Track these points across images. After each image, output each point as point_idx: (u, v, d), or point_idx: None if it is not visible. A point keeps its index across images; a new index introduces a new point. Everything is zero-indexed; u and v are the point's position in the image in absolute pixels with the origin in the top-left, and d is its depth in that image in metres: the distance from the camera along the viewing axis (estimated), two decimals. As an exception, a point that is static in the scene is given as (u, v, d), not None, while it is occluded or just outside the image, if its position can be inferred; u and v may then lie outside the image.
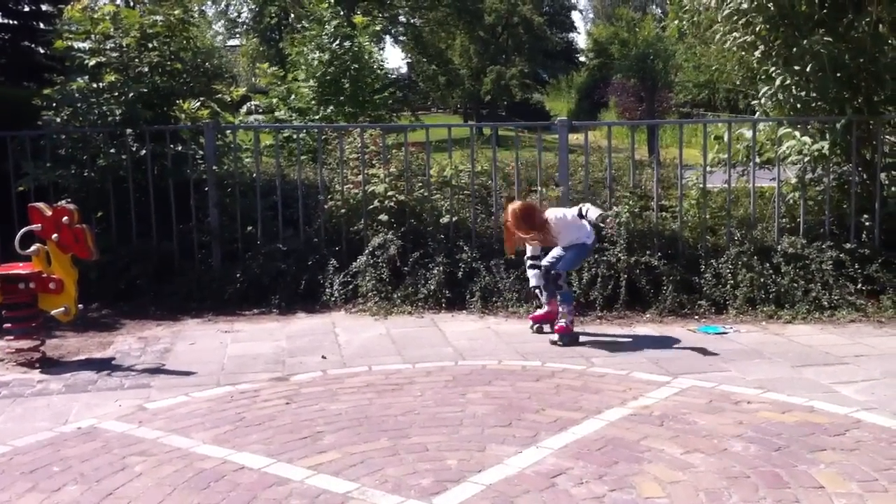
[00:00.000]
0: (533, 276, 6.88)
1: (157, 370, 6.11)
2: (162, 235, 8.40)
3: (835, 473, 4.03)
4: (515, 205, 6.61)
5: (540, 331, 6.86)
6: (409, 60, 52.86)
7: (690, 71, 36.05)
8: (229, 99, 9.50)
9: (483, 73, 49.21)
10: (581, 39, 68.88)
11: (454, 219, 8.20)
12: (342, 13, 15.20)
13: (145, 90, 8.64)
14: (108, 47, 8.78)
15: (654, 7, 64.87)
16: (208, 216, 8.38)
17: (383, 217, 8.13)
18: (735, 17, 7.76)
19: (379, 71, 13.66)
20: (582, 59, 62.01)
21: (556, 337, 6.59)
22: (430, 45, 45.47)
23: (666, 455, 4.29)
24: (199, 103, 8.76)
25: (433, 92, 49.68)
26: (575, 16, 71.05)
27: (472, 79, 49.22)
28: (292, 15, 17.17)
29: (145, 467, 4.30)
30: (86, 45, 8.76)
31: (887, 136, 8.03)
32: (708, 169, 8.24)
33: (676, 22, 8.96)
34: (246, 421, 4.96)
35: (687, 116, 34.53)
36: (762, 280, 7.41)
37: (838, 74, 7.53)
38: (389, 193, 8.24)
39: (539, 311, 6.96)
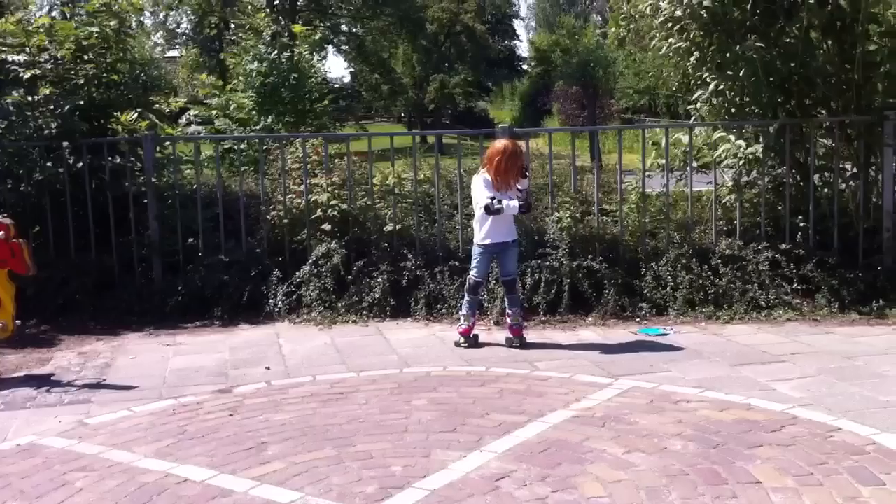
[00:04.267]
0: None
1: (97, 385, 6.03)
2: (101, 249, 8.29)
3: (771, 469, 4.13)
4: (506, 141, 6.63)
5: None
6: (352, 69, 52.80)
7: (631, 77, 36.54)
8: (167, 110, 9.41)
9: (426, 82, 49.36)
10: (523, 47, 69.43)
11: (398, 227, 8.21)
12: (282, 22, 15.16)
13: (82, 102, 8.52)
14: (43, 60, 8.64)
15: (595, 15, 65.62)
16: (148, 229, 8.29)
17: (326, 226, 8.11)
18: (670, 24, 7.90)
19: (319, 80, 13.62)
20: (525, 66, 62.44)
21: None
22: (372, 54, 45.44)
23: (608, 455, 4.36)
24: (136, 115, 8.66)
25: (376, 101, 49.66)
26: (517, 24, 71.44)
27: (416, 87, 49.33)
28: (232, 25, 17.06)
29: (86, 482, 4.25)
30: (20, 57, 8.60)
31: (819, 139, 8.22)
32: (647, 174, 8.37)
33: (613, 30, 9.08)
34: (189, 434, 4.92)
35: (628, 122, 34.97)
36: (701, 282, 7.55)
37: (771, 79, 7.68)
38: (332, 203, 8.22)
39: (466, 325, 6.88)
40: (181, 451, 4.64)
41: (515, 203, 6.52)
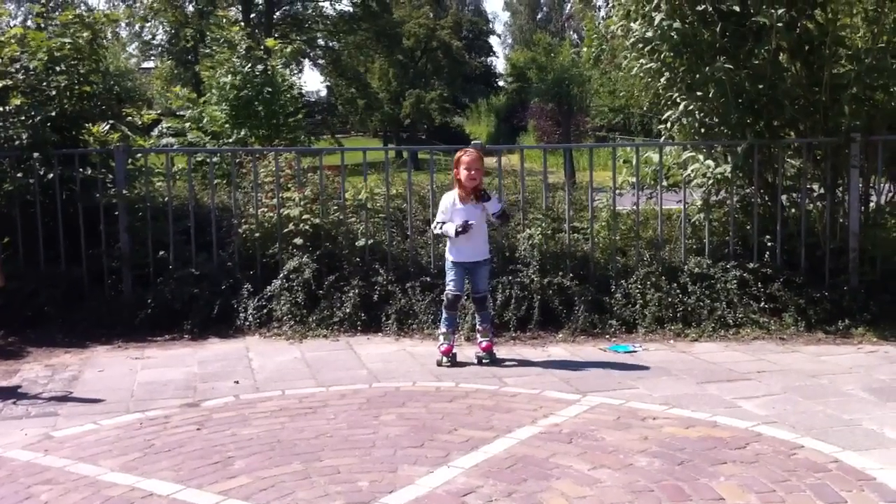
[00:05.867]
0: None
1: (64, 398, 5.99)
2: (71, 261, 8.24)
3: (735, 486, 4.17)
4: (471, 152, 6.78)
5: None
6: (328, 84, 52.85)
7: (605, 96, 36.80)
8: (140, 122, 9.38)
9: (402, 97, 49.47)
10: (500, 64, 69.78)
11: (370, 242, 8.22)
12: (259, 35, 15.17)
13: (53, 114, 8.48)
14: (14, 70, 8.60)
15: (571, 33, 66.09)
16: (119, 241, 8.25)
17: (298, 240, 8.10)
18: (641, 45, 7.97)
19: (294, 94, 13.64)
20: (501, 83, 62.75)
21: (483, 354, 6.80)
22: (348, 68, 45.52)
23: (574, 471, 4.38)
24: (108, 126, 8.63)
25: (352, 115, 49.70)
26: (493, 41, 71.81)
27: (392, 102, 49.42)
28: (208, 37, 17.04)
29: (51, 496, 4.23)
30: (-8, 67, 8.57)
31: (787, 160, 8.33)
32: (618, 192, 8.44)
33: (586, 49, 9.17)
34: (155, 448, 4.90)
35: (603, 140, 35.21)
36: (670, 299, 7.61)
37: (740, 100, 7.79)
38: (304, 217, 8.22)
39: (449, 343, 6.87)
40: (147, 465, 4.62)
41: (450, 227, 6.63)
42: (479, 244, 6.77)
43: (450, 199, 6.79)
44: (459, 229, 6.58)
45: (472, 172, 6.63)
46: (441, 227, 6.75)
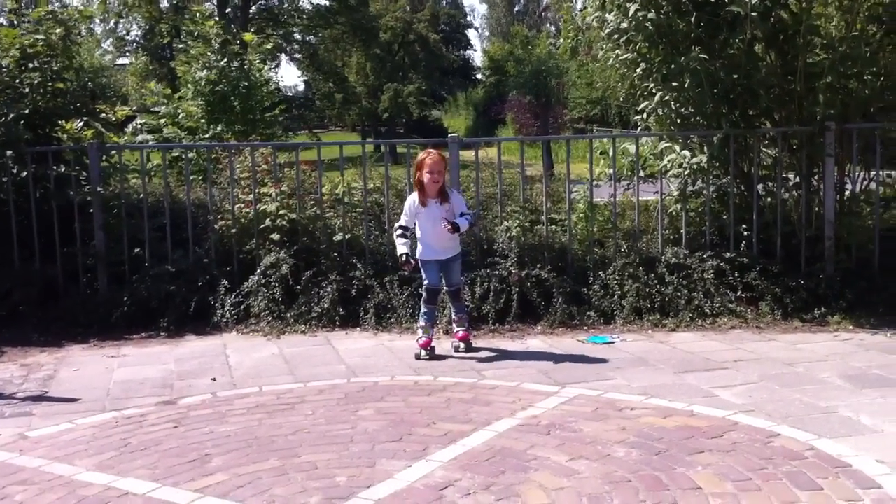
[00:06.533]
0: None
1: (39, 398, 5.94)
2: (45, 259, 8.18)
3: (712, 474, 4.18)
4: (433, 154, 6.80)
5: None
6: (306, 78, 52.62)
7: (583, 87, 36.83)
8: (114, 118, 9.30)
9: (380, 91, 49.27)
10: (477, 57, 69.68)
11: (347, 236, 8.19)
12: (233, 30, 15.06)
13: (26, 111, 8.40)
14: (-14, 67, 8.52)
15: (548, 25, 66.10)
16: (94, 239, 8.18)
17: (275, 236, 8.07)
18: (616, 36, 7.99)
19: (270, 89, 13.56)
20: (479, 76, 62.68)
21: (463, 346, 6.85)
22: (325, 62, 45.31)
23: (552, 463, 4.39)
24: (82, 123, 8.55)
25: (330, 110, 49.50)
26: (471, 34, 71.70)
27: (370, 96, 49.22)
28: (183, 32, 16.93)
29: (26, 496, 4.20)
30: (-37, 65, 8.48)
31: (763, 149, 8.36)
32: (595, 183, 8.45)
33: (563, 41, 9.17)
34: (131, 446, 4.87)
35: (581, 132, 35.28)
36: (647, 290, 7.63)
37: (715, 90, 7.80)
38: (281, 212, 8.19)
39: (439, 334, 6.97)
40: (123, 464, 4.58)
41: (400, 248, 6.71)
42: (446, 242, 6.78)
43: (412, 201, 6.83)
44: (402, 260, 6.72)
45: (435, 175, 6.66)
46: (397, 237, 6.82)
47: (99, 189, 8.22)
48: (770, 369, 6.06)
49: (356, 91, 47.50)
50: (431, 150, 6.90)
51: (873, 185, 8.17)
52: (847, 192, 8.29)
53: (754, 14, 7.29)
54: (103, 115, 9.33)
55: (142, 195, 8.51)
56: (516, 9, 79.05)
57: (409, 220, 6.82)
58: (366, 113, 49.89)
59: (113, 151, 8.83)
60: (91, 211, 8.22)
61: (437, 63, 53.91)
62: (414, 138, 31.84)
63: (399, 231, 6.83)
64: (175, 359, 6.87)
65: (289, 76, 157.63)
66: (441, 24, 60.39)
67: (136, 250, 8.15)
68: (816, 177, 8.19)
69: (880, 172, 8.16)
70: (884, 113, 8.04)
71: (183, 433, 5.06)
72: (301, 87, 57.93)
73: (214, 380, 6.22)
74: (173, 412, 5.49)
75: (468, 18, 73.36)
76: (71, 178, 8.33)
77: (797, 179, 8.23)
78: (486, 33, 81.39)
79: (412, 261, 6.76)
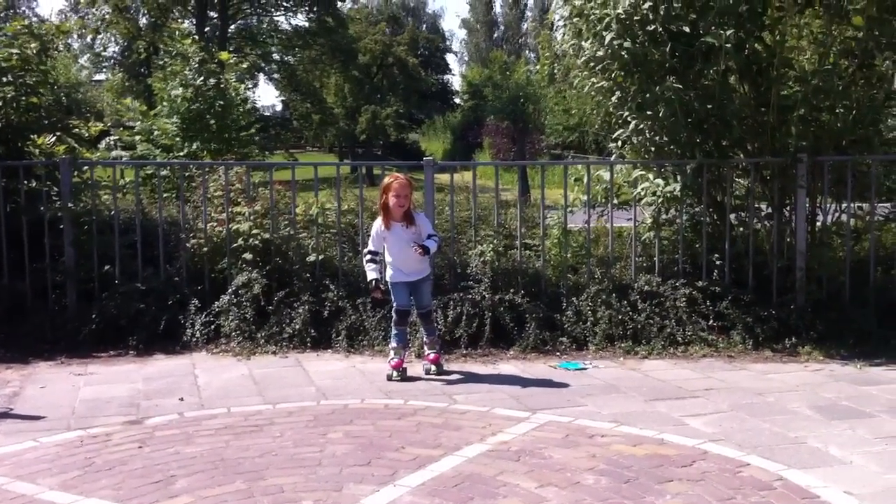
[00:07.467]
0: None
1: (4, 415, 5.85)
2: (14, 275, 8.07)
3: (680, 503, 4.17)
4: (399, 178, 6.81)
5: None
6: (284, 98, 52.62)
7: (560, 114, 37.07)
8: (87, 134, 9.23)
9: (358, 113, 49.36)
10: (456, 81, 69.91)
11: (320, 257, 8.16)
12: (213, 48, 15.03)
13: (-1, 125, 8.33)
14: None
15: (528, 52, 66.57)
16: (63, 255, 8.09)
17: (248, 255, 8.01)
18: (592, 64, 8.04)
19: (247, 108, 13.53)
20: (457, 100, 62.95)
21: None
22: (303, 83, 45.36)
23: (521, 490, 4.36)
24: (54, 138, 8.48)
25: (307, 130, 49.50)
26: (450, 58, 71.99)
27: (347, 118, 49.29)
28: (161, 50, 16.90)
29: (-16, 517, 4.11)
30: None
31: (736, 179, 8.42)
32: (569, 209, 8.47)
33: (538, 67, 9.22)
34: (96, 466, 4.80)
35: (558, 158, 35.44)
36: (620, 317, 7.64)
37: (689, 120, 7.87)
38: (254, 231, 8.13)
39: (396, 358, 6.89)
40: (87, 484, 4.51)
41: (370, 273, 6.76)
42: (415, 264, 6.78)
43: (377, 225, 6.86)
44: (372, 286, 6.80)
45: (401, 199, 6.69)
46: (366, 262, 6.86)
47: (70, 205, 8.13)
48: (741, 399, 6.08)
49: (334, 112, 47.58)
50: (398, 174, 6.92)
51: (844, 218, 8.24)
52: (819, 224, 8.36)
53: (728, 45, 7.36)
54: (77, 130, 9.26)
55: (113, 212, 8.44)
56: (495, 35, 79.61)
57: (377, 245, 6.84)
58: (343, 134, 49.96)
59: (85, 167, 8.75)
60: (61, 227, 8.13)
61: (415, 86, 54.11)
62: (390, 160, 31.87)
63: (368, 257, 6.85)
64: (143, 378, 6.78)
65: (266, 96, 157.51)
66: (420, 48, 60.70)
67: (107, 267, 8.07)
68: (788, 208, 8.25)
69: (852, 205, 8.23)
70: (855, 146, 8.13)
71: (148, 453, 4.98)
72: (279, 107, 57.90)
73: (182, 400, 6.15)
74: (139, 432, 5.42)
75: (447, 43, 73.77)
76: (42, 194, 8.25)
77: (769, 210, 8.30)
78: (465, 58, 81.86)
79: (382, 286, 6.76)
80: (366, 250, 6.96)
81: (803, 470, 4.64)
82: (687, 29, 7.58)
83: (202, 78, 12.28)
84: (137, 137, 12.36)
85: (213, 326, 7.72)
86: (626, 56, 7.65)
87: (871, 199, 8.12)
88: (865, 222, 8.31)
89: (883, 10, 7.69)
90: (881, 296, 7.88)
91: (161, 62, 15.06)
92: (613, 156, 8.88)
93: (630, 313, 7.67)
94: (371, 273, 6.78)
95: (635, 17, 7.58)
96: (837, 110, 7.94)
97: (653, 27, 7.60)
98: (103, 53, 45.88)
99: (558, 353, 7.44)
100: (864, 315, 7.64)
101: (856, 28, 7.76)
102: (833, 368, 6.96)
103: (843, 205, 8.28)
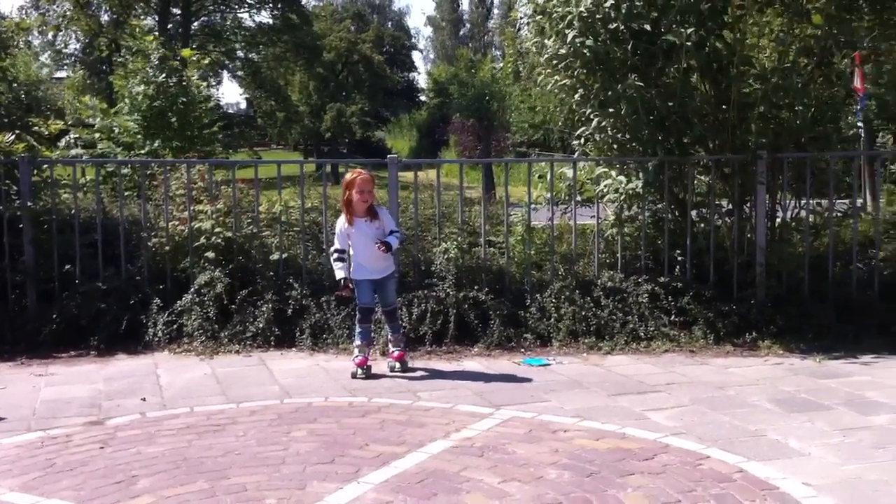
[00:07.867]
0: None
1: (-38, 417, 5.77)
2: (-28, 275, 7.96)
3: (641, 496, 4.21)
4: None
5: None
6: (248, 96, 52.30)
7: (525, 112, 37.14)
8: (47, 132, 9.12)
9: (323, 110, 49.20)
10: (422, 79, 69.89)
11: (284, 255, 8.13)
12: (176, 45, 14.91)
13: (-44, 123, 8.21)
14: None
15: (493, 49, 66.63)
16: (23, 254, 7.99)
17: (210, 254, 7.96)
18: (555, 62, 8.08)
19: (210, 106, 13.44)
20: (423, 98, 62.91)
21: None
22: (268, 80, 45.10)
23: (484, 485, 4.38)
24: (13, 136, 8.37)
25: (272, 128, 49.24)
26: (415, 55, 71.94)
27: (312, 115, 49.10)
28: (123, 47, 16.74)
29: (-58, 520, 4.06)
30: None
31: (697, 176, 8.50)
32: (533, 206, 8.50)
33: (502, 65, 9.25)
34: (56, 467, 4.75)
35: (523, 156, 35.52)
36: (583, 313, 7.69)
37: (651, 117, 7.93)
38: (217, 230, 8.09)
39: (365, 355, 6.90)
40: (47, 485, 4.47)
41: (338, 272, 6.80)
42: (379, 261, 6.80)
43: (341, 222, 6.87)
44: (340, 285, 6.84)
45: (365, 194, 6.71)
46: (334, 261, 6.89)
47: (29, 203, 8.03)
48: (701, 393, 6.14)
49: (298, 110, 47.38)
50: (361, 170, 6.93)
51: (804, 213, 8.35)
52: (778, 220, 8.46)
53: (689, 44, 7.43)
54: (36, 128, 9.15)
55: (73, 210, 8.34)
56: (461, 32, 79.66)
57: (342, 243, 6.85)
58: (308, 132, 49.75)
59: (45, 165, 8.65)
60: (21, 226, 8.02)
61: (380, 84, 54.05)
62: (355, 158, 31.78)
63: (336, 255, 6.85)
64: (104, 378, 6.72)
65: (231, 93, 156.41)
66: (386, 46, 60.60)
67: (67, 267, 7.98)
68: (748, 204, 8.34)
69: (810, 201, 8.35)
70: (814, 143, 8.25)
71: (110, 454, 4.94)
72: (243, 105, 57.56)
73: (144, 400, 6.10)
74: (101, 432, 5.37)
75: (413, 40, 73.72)
76: (0, 192, 8.14)
77: (730, 206, 8.38)
78: (431, 55, 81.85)
79: (350, 285, 6.76)
80: (332, 249, 6.95)
81: (763, 462, 4.70)
82: (648, 27, 7.64)
83: (164, 75, 12.18)
84: (98, 135, 12.22)
85: (175, 326, 7.67)
86: (588, 54, 7.69)
87: (830, 195, 8.23)
88: (824, 218, 8.42)
89: (841, 9, 7.81)
90: (839, 290, 7.99)
91: (122, 59, 14.91)
92: (576, 153, 8.92)
93: (593, 309, 7.72)
94: (339, 272, 6.79)
95: (597, 16, 7.63)
96: (797, 108, 8.04)
97: (614, 25, 7.65)
98: (64, 50, 45.29)
99: (522, 350, 7.47)
100: (822, 309, 7.75)
101: (815, 27, 7.87)
102: (792, 362, 7.05)
103: (803, 201, 8.39)
